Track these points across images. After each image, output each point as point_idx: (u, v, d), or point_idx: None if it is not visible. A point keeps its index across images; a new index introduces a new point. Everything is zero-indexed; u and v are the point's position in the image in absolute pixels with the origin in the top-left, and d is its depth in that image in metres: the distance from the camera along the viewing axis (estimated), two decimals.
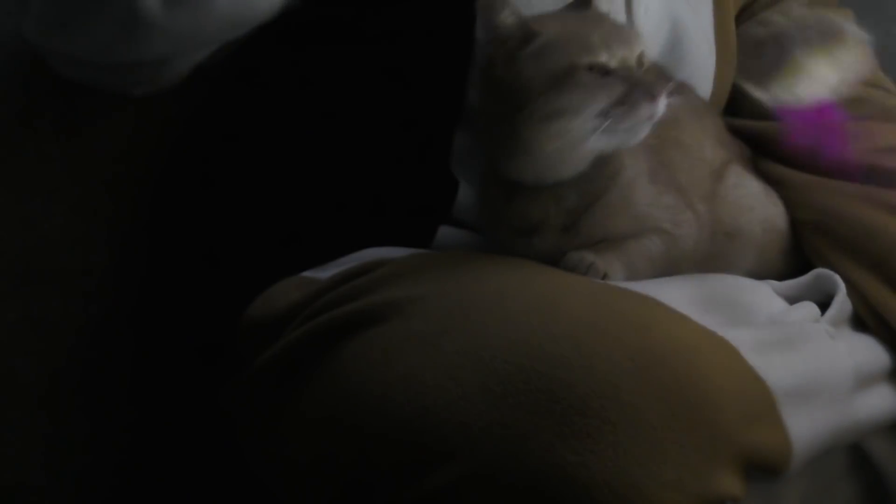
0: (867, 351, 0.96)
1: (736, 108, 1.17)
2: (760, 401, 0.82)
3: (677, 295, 0.88)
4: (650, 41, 1.06)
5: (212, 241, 1.12)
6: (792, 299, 0.98)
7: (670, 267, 0.97)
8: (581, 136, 0.89)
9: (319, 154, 1.05)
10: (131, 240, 1.18)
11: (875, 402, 0.93)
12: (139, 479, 1.19)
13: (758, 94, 1.05)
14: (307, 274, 1.01)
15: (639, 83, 0.89)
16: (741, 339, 0.84)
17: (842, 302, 0.98)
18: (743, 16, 1.19)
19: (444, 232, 1.01)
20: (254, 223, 1.07)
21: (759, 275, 1.03)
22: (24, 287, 1.15)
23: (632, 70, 0.90)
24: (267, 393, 0.96)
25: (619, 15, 1.06)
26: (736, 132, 1.13)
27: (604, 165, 0.93)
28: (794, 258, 1.08)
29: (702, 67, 1.11)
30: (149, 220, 1.19)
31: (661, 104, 0.89)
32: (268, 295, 1.00)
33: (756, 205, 1.07)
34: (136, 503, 1.20)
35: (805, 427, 0.84)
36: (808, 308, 0.96)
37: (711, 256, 1.01)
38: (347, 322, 0.90)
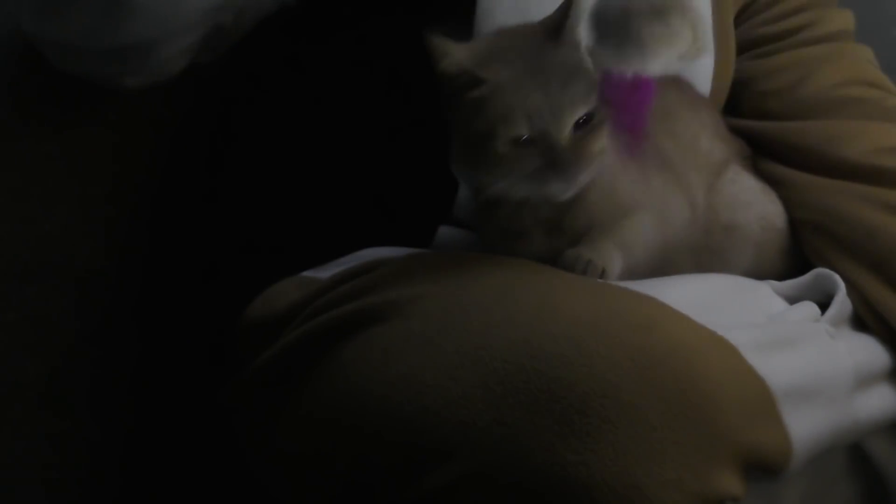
0: (867, 351, 0.96)
1: (737, 107, 1.17)
2: (760, 400, 0.82)
3: (677, 295, 0.88)
4: None
5: (212, 240, 1.12)
6: (792, 299, 0.98)
7: (665, 250, 0.97)
8: (510, 190, 0.90)
9: (319, 154, 1.05)
10: (131, 240, 1.18)
11: (875, 402, 0.93)
12: (139, 479, 1.19)
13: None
14: (307, 274, 1.01)
15: (553, 162, 0.88)
16: (741, 338, 0.84)
17: (842, 302, 0.97)
18: (743, 15, 1.19)
19: (444, 232, 1.01)
20: (254, 223, 1.08)
21: (758, 274, 1.03)
22: (24, 287, 1.15)
23: (553, 144, 0.88)
24: (267, 393, 0.96)
25: None
26: (736, 131, 1.13)
27: None
28: (794, 258, 1.08)
29: (700, 66, 1.11)
30: (149, 219, 1.19)
31: (578, 181, 0.89)
32: (268, 295, 1.00)
33: (754, 201, 1.07)
34: (136, 503, 1.20)
35: (805, 427, 0.84)
36: (808, 308, 0.96)
37: (709, 250, 1.01)
38: (347, 322, 0.90)
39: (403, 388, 0.83)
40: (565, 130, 0.88)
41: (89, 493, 1.18)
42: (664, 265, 0.98)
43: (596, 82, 0.91)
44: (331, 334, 0.91)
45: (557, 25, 0.91)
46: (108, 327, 1.18)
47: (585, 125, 0.89)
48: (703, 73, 1.11)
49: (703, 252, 1.01)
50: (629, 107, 0.93)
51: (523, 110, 0.87)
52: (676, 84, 1.06)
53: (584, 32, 0.93)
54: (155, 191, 1.19)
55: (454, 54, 0.89)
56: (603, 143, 0.90)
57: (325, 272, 0.99)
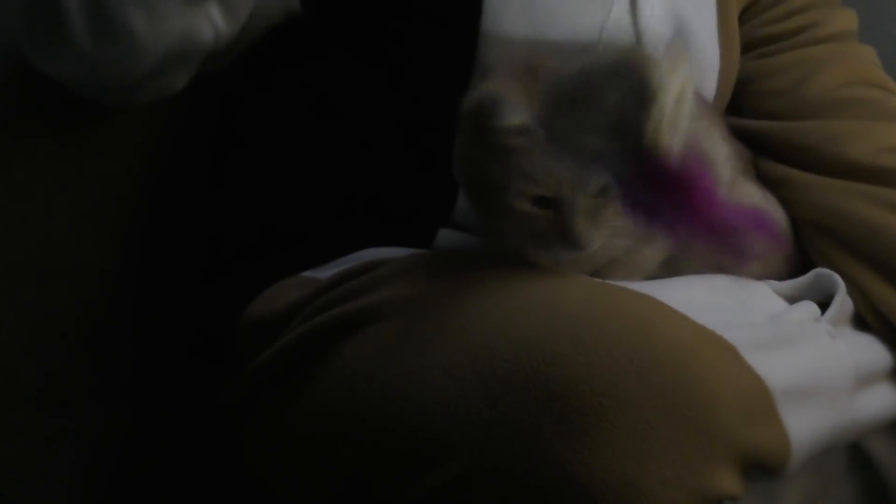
0: (868, 350, 0.96)
1: (739, 107, 1.17)
2: (759, 400, 0.82)
3: (676, 294, 0.88)
4: (655, 41, 1.06)
5: (212, 240, 1.12)
6: (792, 299, 0.98)
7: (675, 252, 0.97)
8: (513, 242, 0.89)
9: (320, 154, 1.05)
10: (131, 240, 1.18)
11: (875, 402, 0.93)
12: (139, 479, 1.19)
13: None
14: (307, 274, 1.01)
15: (566, 229, 0.86)
16: (740, 338, 0.84)
17: (842, 301, 0.97)
18: (746, 15, 1.19)
19: (444, 235, 1.01)
20: (254, 223, 1.07)
21: (761, 277, 1.03)
22: (24, 287, 1.15)
23: (571, 211, 0.85)
24: (266, 392, 0.96)
25: (624, 17, 1.05)
26: (738, 131, 1.13)
27: None
28: (796, 260, 1.08)
29: (706, 66, 1.11)
30: (149, 219, 1.19)
31: (585, 250, 0.87)
32: (268, 295, 1.00)
33: (758, 203, 1.07)
34: (136, 503, 1.20)
35: (804, 426, 0.84)
36: (808, 307, 0.95)
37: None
38: (347, 321, 0.90)
39: (402, 387, 0.83)
40: (586, 200, 0.85)
41: (89, 493, 1.18)
42: (672, 268, 0.98)
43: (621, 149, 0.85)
44: (330, 334, 0.91)
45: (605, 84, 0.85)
46: (107, 327, 1.18)
47: (605, 190, 0.85)
48: (708, 74, 1.11)
49: (710, 255, 1.01)
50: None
51: (554, 174, 0.84)
52: None
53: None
54: (155, 191, 1.19)
55: (519, 109, 0.84)
56: (618, 209, 0.86)
57: (325, 272, 0.99)
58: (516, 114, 0.83)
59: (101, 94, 1.04)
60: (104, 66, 0.95)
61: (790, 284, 1.01)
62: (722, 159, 1.04)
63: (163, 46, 0.93)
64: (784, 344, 0.87)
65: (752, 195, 1.07)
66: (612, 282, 0.91)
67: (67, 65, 0.97)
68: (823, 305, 0.97)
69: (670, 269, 0.99)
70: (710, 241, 0.84)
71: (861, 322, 1.01)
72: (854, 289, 1.00)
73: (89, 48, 0.92)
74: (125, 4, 0.88)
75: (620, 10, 1.05)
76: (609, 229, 0.87)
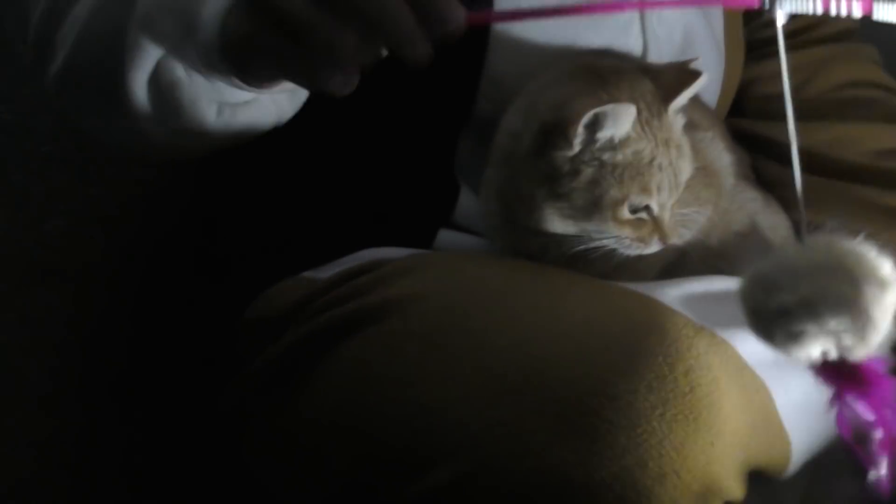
0: None
1: (740, 108, 1.17)
2: (759, 403, 0.81)
3: (677, 295, 0.88)
4: (662, 47, 1.06)
5: (212, 241, 1.12)
6: None
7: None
8: (587, 236, 0.91)
9: (320, 154, 1.05)
10: (131, 240, 1.18)
11: None
12: (139, 480, 1.19)
13: None
14: (307, 274, 1.01)
15: (663, 233, 0.92)
16: (742, 340, 0.84)
17: None
18: (748, 14, 1.18)
19: (444, 235, 1.01)
20: (254, 223, 1.07)
21: None
22: (24, 287, 1.15)
23: (665, 216, 0.92)
24: (266, 393, 0.96)
25: (633, 23, 1.05)
26: (739, 133, 1.13)
27: None
28: None
29: (711, 72, 1.11)
30: (148, 220, 1.19)
31: (672, 245, 0.94)
32: (268, 295, 1.00)
33: (760, 210, 1.07)
34: (135, 503, 1.20)
35: (804, 428, 0.84)
36: None
37: (722, 257, 1.01)
38: (347, 322, 0.90)
39: (402, 387, 0.83)
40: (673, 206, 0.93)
41: (89, 493, 1.18)
42: (673, 270, 0.98)
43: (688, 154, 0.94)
44: (330, 334, 0.91)
45: (672, 93, 0.92)
46: (107, 327, 1.18)
47: None
48: (713, 78, 1.11)
49: (716, 258, 1.01)
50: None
51: (657, 184, 0.90)
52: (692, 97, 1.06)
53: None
54: (154, 191, 1.19)
55: (631, 116, 0.89)
56: None
57: (325, 272, 0.99)
58: (623, 125, 0.89)
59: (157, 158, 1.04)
60: (168, 148, 0.94)
61: None
62: (726, 167, 1.03)
63: (228, 135, 0.92)
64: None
65: (754, 199, 1.07)
66: (611, 282, 0.90)
67: (126, 142, 0.96)
68: None
69: (671, 270, 0.99)
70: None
71: None
72: None
73: (156, 138, 0.91)
74: (197, 99, 0.87)
75: (629, 16, 1.05)
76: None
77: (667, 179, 0.91)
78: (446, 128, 1.00)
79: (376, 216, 1.02)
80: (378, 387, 0.85)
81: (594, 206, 0.90)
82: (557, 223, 0.91)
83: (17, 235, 1.15)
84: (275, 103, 0.93)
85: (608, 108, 0.88)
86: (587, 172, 0.90)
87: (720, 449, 0.76)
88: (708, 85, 1.09)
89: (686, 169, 0.93)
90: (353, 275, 0.95)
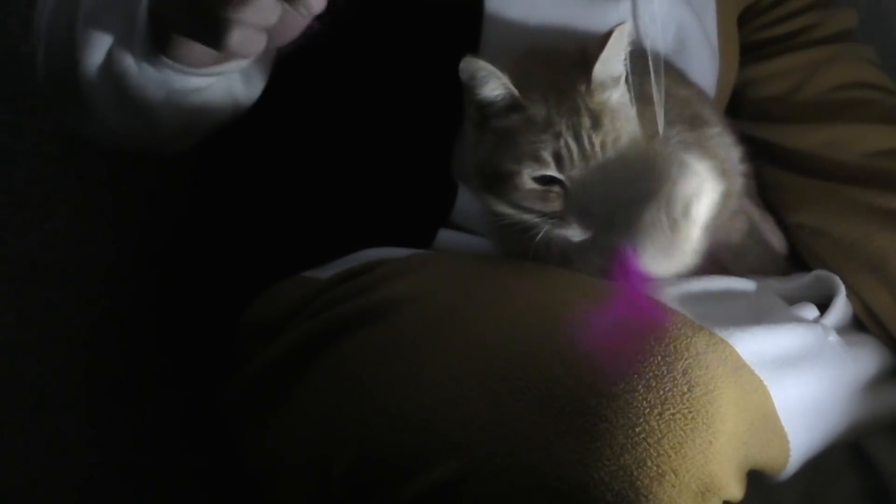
0: (867, 351, 0.96)
1: (737, 110, 1.17)
2: (758, 402, 0.81)
3: (675, 294, 0.88)
4: (655, 45, 1.06)
5: (212, 241, 1.12)
6: (791, 300, 0.98)
7: None
8: (528, 222, 0.89)
9: (320, 154, 1.05)
10: (131, 240, 1.19)
11: (875, 403, 0.93)
12: (139, 479, 1.19)
13: None
14: (307, 274, 1.01)
15: (563, 210, 0.87)
16: (740, 339, 0.84)
17: (842, 303, 0.97)
18: (746, 16, 1.18)
19: (444, 235, 1.01)
20: (255, 223, 1.07)
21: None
22: (24, 287, 1.15)
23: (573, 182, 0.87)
24: (266, 392, 0.96)
25: (625, 22, 1.05)
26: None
27: None
28: (791, 266, 1.08)
29: (705, 72, 1.11)
30: (148, 220, 1.19)
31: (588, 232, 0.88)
32: (268, 295, 1.00)
33: (758, 216, 1.07)
34: (135, 503, 1.20)
35: (803, 429, 0.84)
36: (808, 309, 0.95)
37: (731, 251, 1.01)
38: (346, 321, 0.90)
39: (402, 386, 0.83)
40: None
41: (89, 493, 1.18)
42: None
43: (628, 123, 0.89)
44: (330, 333, 0.91)
45: (589, 61, 0.88)
46: (107, 327, 1.18)
47: None
48: (708, 78, 1.11)
49: (719, 259, 1.01)
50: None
51: (554, 150, 0.86)
52: (699, 93, 1.06)
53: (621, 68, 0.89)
54: (155, 191, 1.19)
55: (501, 78, 0.86)
56: None
57: (325, 272, 0.99)
58: (498, 85, 0.86)
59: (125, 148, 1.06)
60: (127, 137, 0.97)
61: (791, 285, 1.01)
62: (736, 166, 1.03)
63: (180, 119, 0.94)
64: (784, 346, 0.86)
65: (751, 212, 1.07)
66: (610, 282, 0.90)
67: (95, 133, 0.99)
68: (823, 307, 0.96)
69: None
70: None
71: (859, 323, 1.01)
72: (850, 293, 1.00)
73: (114, 125, 0.94)
74: (145, 87, 0.90)
75: (620, 15, 1.05)
76: None
77: (575, 150, 0.86)
78: (443, 128, 1.00)
79: (376, 216, 1.02)
80: (377, 386, 0.85)
81: (498, 176, 0.88)
82: (485, 197, 0.90)
83: (18, 235, 1.15)
84: (228, 89, 0.94)
85: (480, 64, 0.86)
86: (488, 139, 0.89)
87: (718, 448, 0.76)
88: (703, 83, 1.10)
89: (615, 140, 0.87)
90: (353, 274, 0.95)
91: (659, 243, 0.82)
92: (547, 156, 0.86)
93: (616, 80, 0.89)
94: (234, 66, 0.90)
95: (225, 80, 0.94)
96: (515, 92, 0.87)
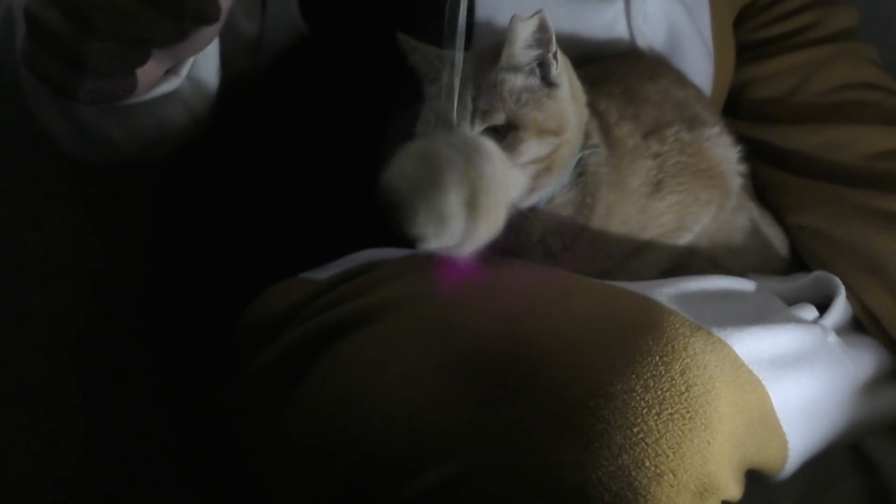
0: (866, 352, 0.96)
1: (736, 110, 1.17)
2: (756, 402, 0.81)
3: (674, 294, 0.88)
4: (649, 44, 1.06)
5: (211, 241, 1.12)
6: (791, 300, 0.98)
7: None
8: None
9: (319, 155, 1.05)
10: (131, 240, 1.19)
11: (875, 404, 0.93)
12: (138, 479, 1.20)
13: None
14: (306, 274, 1.01)
15: None
16: (739, 339, 0.84)
17: (842, 304, 0.97)
18: (743, 16, 1.18)
19: None
20: (254, 224, 1.07)
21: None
22: (24, 287, 1.15)
23: None
24: (265, 393, 0.96)
25: (619, 22, 1.05)
26: (735, 134, 1.13)
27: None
28: (790, 266, 1.08)
29: (700, 71, 1.11)
30: (148, 220, 1.19)
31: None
32: (267, 295, 1.00)
33: (758, 215, 1.07)
34: (135, 502, 1.20)
35: (802, 429, 0.84)
36: (807, 310, 0.95)
37: (730, 250, 1.01)
38: (345, 322, 0.90)
39: (400, 387, 0.83)
40: None
41: (89, 493, 1.18)
42: (682, 269, 0.98)
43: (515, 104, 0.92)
44: (328, 334, 0.91)
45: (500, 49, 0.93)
46: (107, 327, 1.18)
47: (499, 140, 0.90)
48: (703, 77, 1.11)
49: (720, 259, 1.01)
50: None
51: (436, 113, 0.91)
52: (697, 94, 1.06)
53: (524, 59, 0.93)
54: (154, 191, 1.19)
55: (421, 49, 0.94)
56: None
57: (324, 273, 0.99)
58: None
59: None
60: (94, 157, 1.01)
61: (790, 286, 1.01)
62: (733, 166, 1.03)
63: (139, 140, 0.97)
64: (783, 347, 0.86)
65: (751, 210, 1.07)
66: (608, 282, 0.90)
67: (61, 146, 1.01)
68: (822, 308, 0.96)
69: (673, 271, 0.99)
70: None
71: (859, 324, 1.01)
72: (850, 294, 1.00)
73: (76, 151, 0.99)
74: (98, 118, 0.92)
75: (614, 14, 1.05)
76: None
77: (452, 113, 0.89)
78: None
79: (375, 217, 1.02)
80: (375, 386, 0.85)
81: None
82: None
83: (18, 235, 1.15)
84: (177, 102, 0.95)
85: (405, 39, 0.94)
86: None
87: (716, 448, 0.76)
88: (698, 81, 1.10)
89: (490, 107, 0.91)
90: (351, 276, 0.95)
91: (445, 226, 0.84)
92: (432, 119, 0.92)
93: (520, 68, 0.93)
94: (162, 89, 0.87)
95: (171, 95, 0.91)
96: (430, 59, 0.94)
